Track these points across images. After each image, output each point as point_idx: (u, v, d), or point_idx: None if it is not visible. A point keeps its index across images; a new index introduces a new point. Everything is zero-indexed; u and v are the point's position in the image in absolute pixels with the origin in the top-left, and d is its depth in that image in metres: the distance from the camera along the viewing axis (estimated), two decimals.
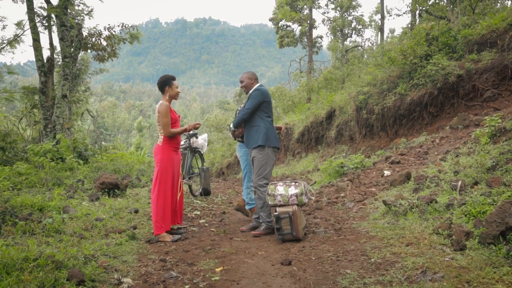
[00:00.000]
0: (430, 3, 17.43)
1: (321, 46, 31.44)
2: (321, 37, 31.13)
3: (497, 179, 5.83)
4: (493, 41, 11.02)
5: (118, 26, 13.70)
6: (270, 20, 31.14)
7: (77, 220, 5.96)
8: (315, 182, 10.16)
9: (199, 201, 8.33)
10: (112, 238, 5.30)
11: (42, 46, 12.61)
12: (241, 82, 6.02)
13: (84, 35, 13.18)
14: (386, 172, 8.51)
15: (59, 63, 14.44)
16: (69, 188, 8.39)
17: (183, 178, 8.32)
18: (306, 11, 29.79)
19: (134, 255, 4.75)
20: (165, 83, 5.60)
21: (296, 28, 30.81)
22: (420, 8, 18.03)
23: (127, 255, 4.69)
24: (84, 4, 14.31)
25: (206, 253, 4.91)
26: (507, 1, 18.20)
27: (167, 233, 5.50)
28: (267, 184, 5.70)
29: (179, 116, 5.75)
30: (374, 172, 8.97)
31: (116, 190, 8.26)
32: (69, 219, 5.92)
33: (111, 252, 4.71)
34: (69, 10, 13.71)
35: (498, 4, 16.94)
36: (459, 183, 6.19)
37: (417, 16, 21.10)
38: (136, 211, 6.83)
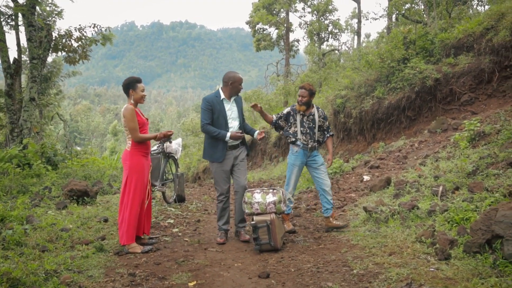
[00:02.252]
0: (406, 7, 17.48)
1: (298, 49, 31.40)
2: (298, 40, 31.12)
3: (479, 184, 5.71)
4: (469, 45, 11.03)
5: (90, 27, 13.29)
6: (247, 23, 30.94)
7: (41, 231, 5.59)
8: None
9: (172, 209, 8.00)
10: (78, 250, 4.97)
11: (8, 47, 12.09)
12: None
13: (53, 36, 12.69)
14: (366, 177, 8.35)
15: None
16: (34, 196, 7.96)
17: (156, 185, 8.01)
18: (282, 15, 29.71)
19: (101, 269, 4.43)
20: (129, 86, 5.23)
21: (273, 31, 30.70)
22: (397, 12, 18.08)
23: (93, 269, 4.37)
24: (54, 4, 13.70)
25: (179, 265, 4.62)
26: (479, 7, 18.43)
27: (137, 244, 5.18)
28: None
29: (147, 119, 5.40)
30: (353, 177, 8.82)
31: (85, 198, 7.89)
32: (32, 230, 5.54)
33: (75, 266, 4.39)
34: (39, 11, 13.22)
35: (471, 10, 17.09)
36: (440, 188, 6.05)
37: (393, 20, 21.18)
38: (106, 220, 6.47)
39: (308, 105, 6.00)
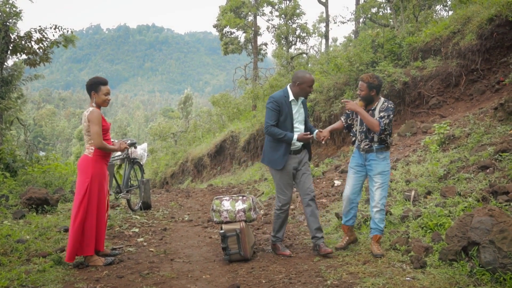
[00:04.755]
0: (373, 11, 17.60)
1: (266, 53, 31.23)
2: (265, 44, 30.95)
3: (451, 189, 5.65)
4: (437, 49, 11.10)
5: (51, 28, 12.77)
6: (214, 26, 30.65)
7: None
8: (262, 193, 9.74)
9: (138, 217, 7.67)
10: (35, 264, 4.64)
11: None
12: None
13: (12, 38, 12.14)
14: (337, 182, 8.23)
15: None
16: None
17: (120, 192, 7.69)
18: (250, 18, 29.56)
19: (59, 284, 4.12)
20: (91, 88, 4.80)
21: (241, 35, 30.51)
22: (364, 16, 18.19)
23: (50, 284, 4.07)
24: (12, 5, 13.05)
25: (143, 278, 4.35)
26: (444, 12, 18.76)
27: (99, 256, 4.86)
28: None
29: (109, 124, 5.05)
30: (324, 182, 8.69)
31: (45, 206, 7.49)
32: None
33: (30, 281, 4.08)
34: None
35: (434, 15, 17.36)
36: (412, 193, 5.98)
37: (360, 23, 21.32)
38: (66, 230, 6.10)
39: (369, 100, 4.95)
